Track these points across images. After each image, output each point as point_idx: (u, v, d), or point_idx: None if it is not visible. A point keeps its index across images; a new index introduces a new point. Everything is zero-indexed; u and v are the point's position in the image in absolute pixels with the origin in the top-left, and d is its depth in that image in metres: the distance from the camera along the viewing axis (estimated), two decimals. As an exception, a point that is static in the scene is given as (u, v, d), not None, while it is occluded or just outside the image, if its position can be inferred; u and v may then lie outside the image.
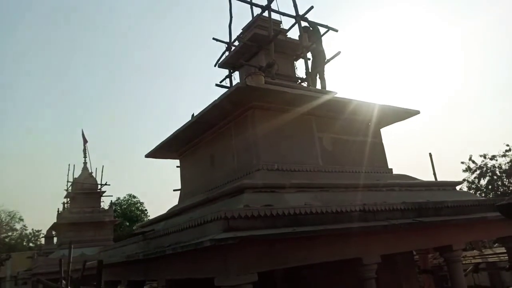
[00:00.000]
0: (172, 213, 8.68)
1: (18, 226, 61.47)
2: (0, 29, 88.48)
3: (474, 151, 41.29)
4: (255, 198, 5.80)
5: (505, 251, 9.89)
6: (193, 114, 8.80)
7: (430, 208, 6.88)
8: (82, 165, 30.12)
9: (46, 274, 18.76)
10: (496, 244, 14.54)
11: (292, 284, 6.66)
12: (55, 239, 32.98)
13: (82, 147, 30.43)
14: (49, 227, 32.57)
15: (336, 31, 10.10)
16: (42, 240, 45.87)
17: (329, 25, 9.99)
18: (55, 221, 28.59)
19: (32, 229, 69.03)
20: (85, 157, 30.27)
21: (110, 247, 10.32)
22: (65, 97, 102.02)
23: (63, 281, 10.89)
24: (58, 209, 29.24)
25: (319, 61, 9.79)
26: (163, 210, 9.57)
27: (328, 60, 9.86)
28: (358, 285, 6.08)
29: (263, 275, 4.89)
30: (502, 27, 70.73)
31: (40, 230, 65.43)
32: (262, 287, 4.99)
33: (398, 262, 8.27)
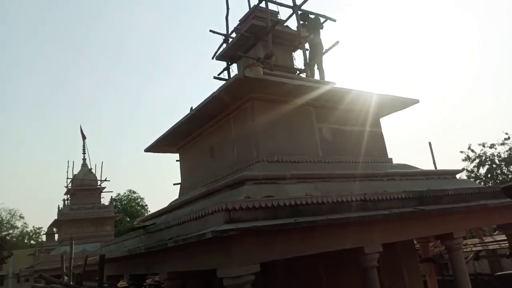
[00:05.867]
0: (173, 207, 8.66)
1: (19, 224, 61.64)
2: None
3: (473, 140, 41.36)
4: (256, 189, 5.78)
5: (505, 238, 9.92)
6: (191, 107, 8.76)
7: (430, 197, 6.88)
8: (81, 162, 30.14)
9: (48, 270, 18.87)
10: (497, 231, 14.61)
11: (294, 273, 6.67)
12: (56, 236, 33.09)
13: (81, 144, 30.40)
14: (50, 224, 32.65)
15: (334, 20, 10.03)
16: (43, 237, 46.02)
17: (326, 14, 9.92)
18: (56, 218, 28.64)
19: (33, 227, 69.27)
20: (84, 153, 30.31)
21: (112, 241, 10.32)
22: (63, 94, 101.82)
23: (65, 277, 10.91)
24: (59, 206, 29.32)
25: (317, 52, 9.73)
26: (163, 205, 9.56)
27: (326, 50, 9.80)
28: (359, 275, 6.10)
29: (265, 265, 4.89)
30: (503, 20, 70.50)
31: (41, 228, 65.69)
32: (264, 277, 4.99)
33: (400, 251, 8.29)
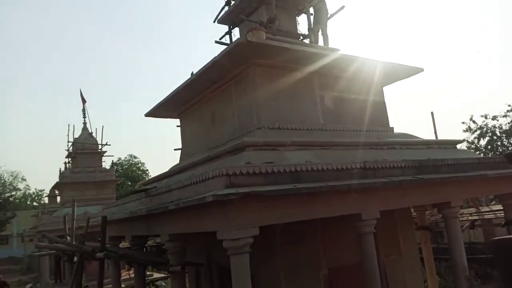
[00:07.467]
0: (173, 171, 8.74)
1: (21, 186, 62.43)
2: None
3: (477, 111, 41.15)
4: (256, 155, 5.80)
5: (501, 208, 10.04)
6: (192, 72, 8.65)
7: (430, 166, 6.91)
8: (81, 125, 30.11)
9: (51, 231, 19.26)
10: (493, 201, 14.80)
11: (292, 238, 6.82)
12: (58, 198, 33.59)
13: (81, 107, 30.25)
14: (52, 186, 33.07)
15: (340, -16, 9.71)
16: (46, 199, 46.70)
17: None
18: (58, 180, 28.95)
19: (35, 189, 70.28)
20: (84, 117, 30.19)
21: (113, 204, 10.49)
22: (64, 57, 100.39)
23: (68, 237, 11.15)
24: (60, 168, 29.51)
25: (322, 17, 9.48)
26: (164, 170, 9.64)
27: (331, 15, 9.56)
28: (357, 240, 6.22)
29: (264, 228, 4.98)
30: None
31: (43, 190, 66.64)
32: (262, 240, 5.10)
33: (397, 219, 8.42)
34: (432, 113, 12.94)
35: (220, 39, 10.57)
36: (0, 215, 38.68)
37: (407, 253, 8.48)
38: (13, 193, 56.96)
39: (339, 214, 5.75)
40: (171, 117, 10.98)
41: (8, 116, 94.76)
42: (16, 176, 58.71)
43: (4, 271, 33.40)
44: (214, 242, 5.09)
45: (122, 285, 11.79)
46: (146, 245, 9.43)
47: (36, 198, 70.96)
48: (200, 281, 8.91)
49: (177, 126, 10.86)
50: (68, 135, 29.00)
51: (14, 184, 58.87)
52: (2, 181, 54.53)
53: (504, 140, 31.47)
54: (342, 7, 9.46)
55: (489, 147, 31.72)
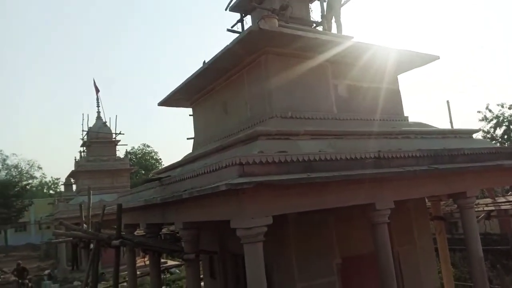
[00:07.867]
0: (187, 160, 8.79)
1: (37, 174, 63.59)
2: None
3: (493, 101, 40.33)
4: (269, 145, 5.79)
5: (518, 198, 9.88)
6: (204, 61, 8.62)
7: (445, 155, 6.80)
8: (95, 115, 30.47)
9: (68, 219, 19.64)
10: (510, 192, 14.57)
11: (305, 227, 6.82)
12: (74, 186, 34.21)
13: (95, 97, 30.58)
14: (67, 175, 33.66)
15: (354, -30, 9.52)
16: (62, 188, 47.60)
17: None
18: (73, 169, 29.45)
19: (51, 177, 71.62)
20: (98, 106, 30.54)
21: (128, 192, 10.62)
22: (79, 46, 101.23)
23: (84, 225, 11.36)
24: (75, 157, 30.00)
25: (335, 4, 9.32)
26: (177, 159, 9.70)
27: (345, 2, 9.40)
28: (370, 229, 6.19)
29: (277, 218, 4.99)
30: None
31: (59, 178, 67.87)
32: (275, 229, 5.11)
33: (411, 209, 8.36)
34: (448, 101, 12.74)
35: (232, 27, 10.49)
36: (18, 203, 39.61)
37: (422, 244, 8.42)
38: (30, 181, 58.12)
39: (352, 204, 5.72)
40: (184, 106, 11.00)
41: (24, 106, 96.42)
42: (32, 164, 59.80)
43: (23, 257, 34.35)
44: (228, 230, 5.12)
45: (138, 272, 12.01)
46: (160, 233, 9.54)
47: (52, 186, 72.41)
48: (214, 268, 9.01)
49: (190, 115, 10.89)
50: (82, 124, 29.45)
51: (31, 173, 60.01)
52: (19, 170, 55.64)
53: (522, 129, 30.84)
54: (357, -6, 9.27)
55: (505, 136, 31.15)
